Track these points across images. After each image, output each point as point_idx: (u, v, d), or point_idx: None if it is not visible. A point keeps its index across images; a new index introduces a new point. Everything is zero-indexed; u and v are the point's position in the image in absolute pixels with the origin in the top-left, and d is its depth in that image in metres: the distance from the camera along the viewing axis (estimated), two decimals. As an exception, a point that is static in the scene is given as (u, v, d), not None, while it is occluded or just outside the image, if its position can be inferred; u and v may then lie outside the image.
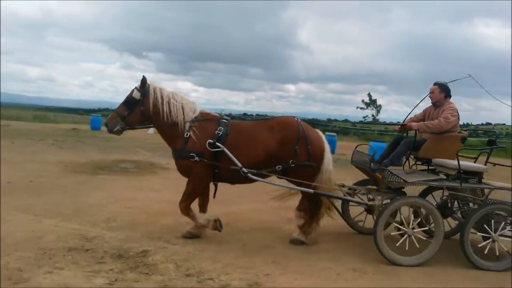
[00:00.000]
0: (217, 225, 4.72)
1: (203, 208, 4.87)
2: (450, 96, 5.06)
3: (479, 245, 4.44)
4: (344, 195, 4.99)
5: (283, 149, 4.54)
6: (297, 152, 4.53)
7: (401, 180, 4.47)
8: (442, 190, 5.24)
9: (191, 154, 4.41)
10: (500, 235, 4.42)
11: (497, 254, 4.42)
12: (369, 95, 48.34)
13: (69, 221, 4.94)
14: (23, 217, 4.98)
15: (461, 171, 4.50)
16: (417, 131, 4.77)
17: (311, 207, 4.80)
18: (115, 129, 4.65)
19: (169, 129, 4.62)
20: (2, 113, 27.49)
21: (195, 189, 4.62)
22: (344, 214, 5.41)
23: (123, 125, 4.66)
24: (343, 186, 5.16)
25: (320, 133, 4.93)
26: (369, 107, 47.80)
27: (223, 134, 4.50)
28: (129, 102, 4.65)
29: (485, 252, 4.40)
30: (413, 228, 4.41)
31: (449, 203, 5.21)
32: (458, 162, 4.48)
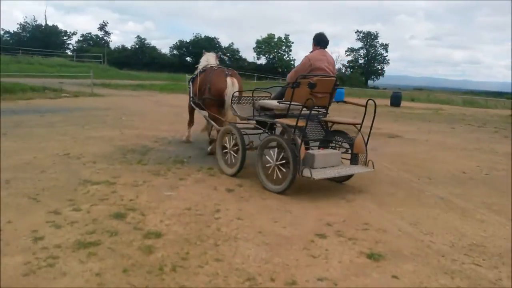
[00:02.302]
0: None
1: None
2: (320, 45, 5.29)
3: (269, 172, 4.91)
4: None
5: (202, 87, 6.61)
6: (206, 90, 6.45)
7: (237, 114, 5.65)
8: None
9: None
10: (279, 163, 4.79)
11: (280, 177, 4.80)
12: None
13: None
14: (496, 220, 4.32)
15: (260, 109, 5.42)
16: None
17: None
18: None
19: None
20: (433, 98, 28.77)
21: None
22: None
23: None
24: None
25: (228, 79, 6.17)
26: None
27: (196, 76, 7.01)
28: None
29: (274, 177, 4.85)
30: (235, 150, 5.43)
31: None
32: (253, 101, 5.48)
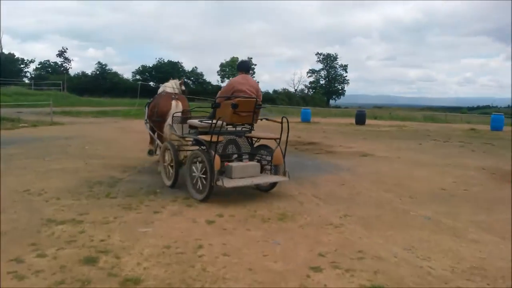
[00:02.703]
0: None
1: None
2: (240, 71, 6.06)
3: (193, 181, 5.45)
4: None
5: (153, 110, 7.39)
6: (154, 112, 7.26)
7: (174, 132, 6.42)
8: None
9: None
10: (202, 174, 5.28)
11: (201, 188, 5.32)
12: None
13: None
14: (489, 239, 4.21)
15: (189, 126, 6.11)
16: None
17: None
18: None
19: None
20: (385, 114, 29.56)
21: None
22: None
23: None
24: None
25: (173, 103, 6.90)
26: None
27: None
28: None
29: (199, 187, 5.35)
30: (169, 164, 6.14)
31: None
32: (182, 120, 6.30)
